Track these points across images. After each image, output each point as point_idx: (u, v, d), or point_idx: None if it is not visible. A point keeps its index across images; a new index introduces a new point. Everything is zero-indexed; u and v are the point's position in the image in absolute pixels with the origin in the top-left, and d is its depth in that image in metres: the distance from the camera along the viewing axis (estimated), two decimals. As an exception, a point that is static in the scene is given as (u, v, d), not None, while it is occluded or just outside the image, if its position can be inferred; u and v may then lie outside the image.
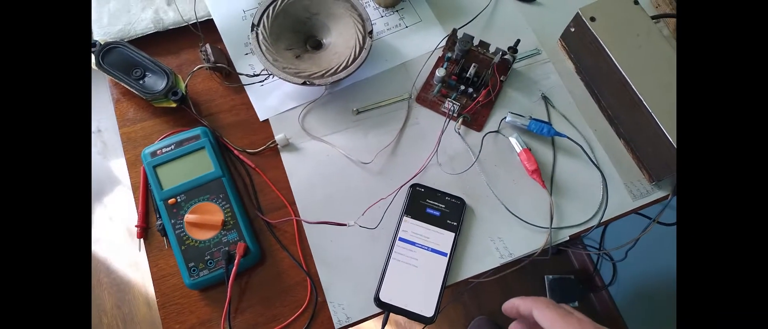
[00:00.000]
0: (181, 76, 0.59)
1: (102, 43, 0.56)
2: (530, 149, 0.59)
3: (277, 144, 0.58)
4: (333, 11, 0.61)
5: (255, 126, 0.59)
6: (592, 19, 0.58)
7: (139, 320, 1.18)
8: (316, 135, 0.59)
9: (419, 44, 0.65)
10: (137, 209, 0.54)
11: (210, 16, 0.61)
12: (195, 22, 0.60)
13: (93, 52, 0.56)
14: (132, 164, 0.56)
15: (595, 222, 0.58)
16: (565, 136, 0.60)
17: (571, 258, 1.48)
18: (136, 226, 0.54)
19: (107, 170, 1.33)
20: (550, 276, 1.43)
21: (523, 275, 1.33)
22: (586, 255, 1.45)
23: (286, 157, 0.58)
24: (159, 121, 0.58)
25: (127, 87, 0.56)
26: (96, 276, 1.21)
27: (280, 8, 0.59)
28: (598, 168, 0.60)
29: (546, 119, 0.62)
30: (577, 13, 0.59)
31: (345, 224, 0.51)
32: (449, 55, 0.63)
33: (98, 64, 0.55)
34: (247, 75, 0.59)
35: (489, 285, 0.59)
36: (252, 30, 0.58)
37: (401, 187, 0.56)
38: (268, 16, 0.58)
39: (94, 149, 1.34)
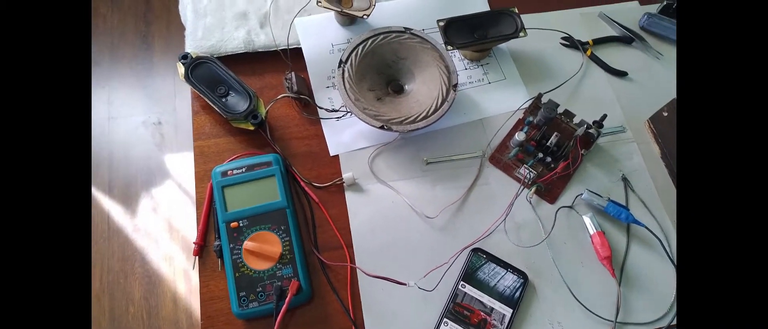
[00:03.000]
0: (263, 100, 0.59)
1: (193, 56, 0.57)
2: (604, 233, 0.56)
3: (344, 182, 0.57)
4: (420, 58, 0.60)
5: (324, 160, 0.59)
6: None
7: (163, 315, 1.19)
8: (384, 179, 0.58)
9: (500, 102, 0.63)
10: (197, 225, 0.54)
11: (299, 44, 0.62)
12: (285, 49, 0.60)
13: (183, 64, 0.57)
14: (200, 178, 0.56)
15: (664, 323, 0.53)
16: (643, 225, 0.56)
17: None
18: (194, 243, 0.53)
19: (160, 163, 1.36)
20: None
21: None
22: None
23: (350, 196, 0.57)
24: (233, 140, 0.59)
25: (209, 102, 0.57)
26: (131, 264, 1.23)
27: (369, 48, 0.59)
28: (675, 265, 0.55)
29: (624, 203, 0.59)
30: (674, 99, 0.56)
31: (405, 284, 0.49)
32: (530, 119, 0.61)
33: (186, 76, 0.57)
34: (325, 109, 0.59)
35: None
36: (339, 66, 0.57)
37: (463, 250, 0.54)
38: (356, 55, 0.58)
39: (151, 140, 1.39)
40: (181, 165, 1.36)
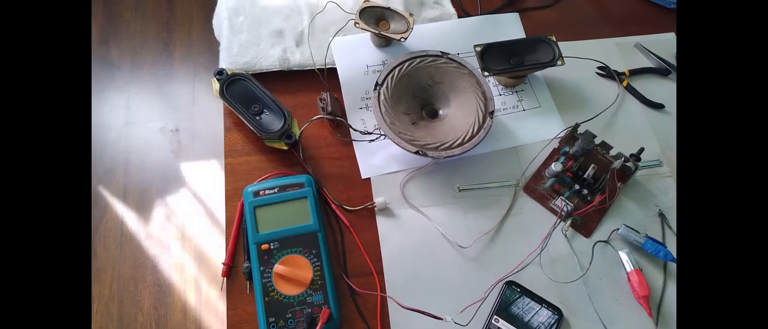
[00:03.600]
0: (296, 119, 0.58)
1: (229, 72, 0.57)
2: (641, 270, 0.54)
3: (375, 206, 0.56)
4: (457, 83, 0.59)
5: (355, 182, 0.58)
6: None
7: (172, 325, 1.18)
8: (415, 204, 0.57)
9: (535, 131, 0.62)
10: (226, 245, 0.53)
11: (334, 64, 0.61)
12: (322, 69, 0.60)
13: (219, 81, 0.56)
14: (230, 197, 0.55)
15: (703, 369, 0.51)
16: (681, 264, 0.54)
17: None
18: (223, 263, 0.52)
19: (175, 170, 1.36)
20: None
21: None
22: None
23: (381, 221, 0.56)
24: (264, 158, 0.58)
25: (242, 119, 0.56)
26: (142, 272, 1.22)
27: (405, 71, 0.58)
28: (714, 308, 0.54)
29: (660, 239, 0.57)
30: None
31: (441, 319, 0.48)
32: (566, 149, 0.60)
33: (221, 93, 0.56)
34: (359, 131, 0.58)
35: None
36: (375, 88, 0.57)
37: (497, 283, 0.53)
38: (392, 78, 0.57)
39: (168, 147, 1.38)
40: (197, 174, 1.36)
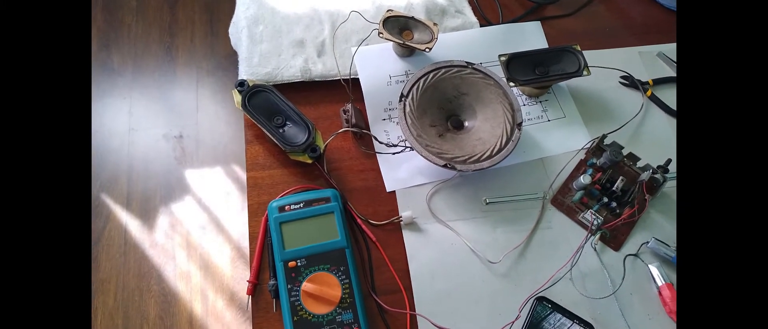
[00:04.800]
0: (320, 131, 0.57)
1: (250, 84, 0.55)
2: (673, 285, 0.53)
3: (402, 220, 0.55)
4: (483, 95, 0.58)
5: (381, 196, 0.56)
6: None
7: (178, 337, 1.15)
8: (442, 218, 0.56)
9: (560, 142, 0.61)
10: (251, 262, 0.52)
11: (356, 75, 0.60)
12: (347, 79, 0.59)
13: (241, 92, 0.55)
14: (253, 212, 0.54)
15: (737, 385, 0.50)
16: (713, 278, 0.53)
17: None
18: (248, 281, 0.51)
19: (179, 177, 1.34)
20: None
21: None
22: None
23: (408, 236, 0.54)
24: (287, 172, 0.56)
25: (265, 132, 0.54)
26: (147, 281, 1.20)
27: (430, 82, 0.57)
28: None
29: (690, 253, 0.56)
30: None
31: (478, 339, 0.46)
32: (593, 161, 0.59)
33: (244, 105, 0.54)
34: (385, 144, 0.57)
35: None
36: (400, 100, 0.55)
37: (528, 300, 0.52)
38: (417, 89, 0.56)
39: (172, 154, 1.36)
40: (202, 181, 1.34)
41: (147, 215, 1.28)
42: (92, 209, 1.27)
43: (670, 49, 0.70)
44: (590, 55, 0.67)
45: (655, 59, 0.69)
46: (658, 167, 0.58)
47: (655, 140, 0.63)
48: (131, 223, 1.27)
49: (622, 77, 0.67)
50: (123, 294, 1.19)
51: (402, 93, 0.56)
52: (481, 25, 0.68)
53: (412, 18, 0.60)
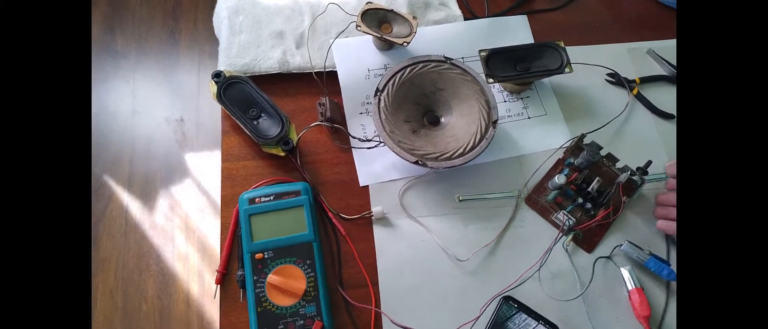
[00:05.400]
0: (295, 124, 0.57)
1: (226, 75, 0.56)
2: (643, 289, 0.53)
3: (373, 215, 0.55)
4: (460, 91, 0.57)
5: (353, 190, 0.57)
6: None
7: (175, 316, 1.19)
8: (414, 214, 0.56)
9: (539, 140, 0.61)
10: (221, 252, 0.53)
11: (334, 68, 0.60)
12: (321, 72, 0.59)
13: (217, 83, 0.55)
14: (226, 202, 0.55)
15: (702, 391, 0.50)
16: (685, 283, 0.53)
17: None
18: (217, 271, 0.52)
19: (180, 160, 1.36)
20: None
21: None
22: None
23: (378, 231, 0.55)
24: (261, 164, 0.57)
25: (240, 124, 0.55)
26: (146, 261, 1.23)
27: (407, 77, 0.57)
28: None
29: (664, 256, 0.56)
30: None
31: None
32: (571, 160, 0.58)
33: (219, 96, 0.55)
34: (358, 138, 0.57)
35: None
36: (375, 95, 0.55)
37: (493, 299, 0.52)
38: (393, 84, 0.56)
39: (173, 137, 1.38)
40: (201, 164, 1.36)
41: (147, 196, 1.31)
42: (94, 190, 1.31)
43: (662, 46, 0.68)
44: (577, 51, 0.66)
45: (645, 57, 0.68)
46: (638, 168, 0.57)
47: (638, 141, 0.62)
48: (132, 204, 1.30)
49: (608, 75, 0.66)
50: (123, 273, 1.22)
51: (377, 88, 0.56)
52: (466, 19, 0.67)
53: (392, 11, 0.60)
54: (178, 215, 1.29)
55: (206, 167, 1.36)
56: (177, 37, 1.53)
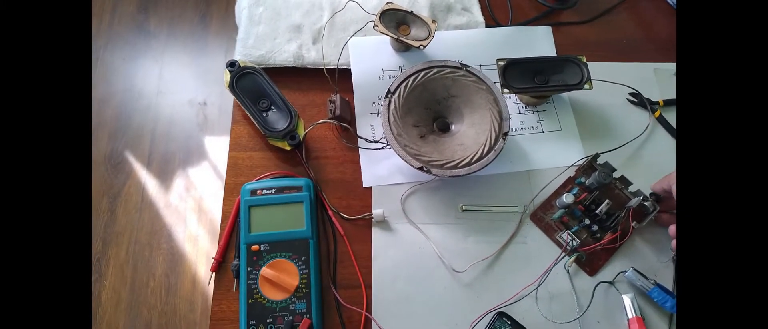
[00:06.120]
0: (303, 120, 0.57)
1: (241, 65, 0.56)
2: (644, 319, 0.51)
3: (372, 218, 0.54)
4: (473, 99, 0.56)
5: (356, 190, 0.56)
6: None
7: (181, 295, 1.21)
8: (414, 220, 0.55)
9: (551, 156, 0.59)
10: (219, 240, 0.53)
11: (349, 66, 0.60)
12: (334, 70, 0.58)
13: (230, 72, 0.56)
14: (229, 191, 0.55)
15: None
16: (691, 318, 0.51)
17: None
18: (213, 258, 0.52)
19: (199, 143, 1.38)
20: None
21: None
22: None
23: (377, 234, 0.54)
24: (267, 156, 0.57)
25: (248, 114, 0.55)
26: (157, 239, 1.26)
27: (420, 81, 0.56)
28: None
29: (671, 288, 0.54)
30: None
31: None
32: (582, 180, 0.57)
33: (231, 85, 0.55)
34: (365, 139, 0.56)
35: None
36: (386, 97, 0.55)
37: (486, 313, 0.51)
38: (405, 86, 0.55)
39: (194, 120, 1.41)
40: (220, 149, 1.38)
41: (165, 176, 1.34)
42: (115, 164, 1.34)
43: (691, 69, 0.65)
44: (600, 68, 0.64)
45: (671, 78, 0.65)
46: (651, 194, 0.55)
47: (655, 165, 0.59)
48: (149, 182, 1.33)
49: (630, 94, 0.63)
50: (134, 248, 1.25)
51: (389, 89, 0.55)
52: (488, 26, 0.66)
53: (411, 13, 0.59)
54: (192, 196, 1.32)
55: (224, 153, 1.37)
56: (208, 22, 1.55)
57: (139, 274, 1.22)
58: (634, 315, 0.51)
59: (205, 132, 1.40)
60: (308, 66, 0.60)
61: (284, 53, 0.59)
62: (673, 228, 0.52)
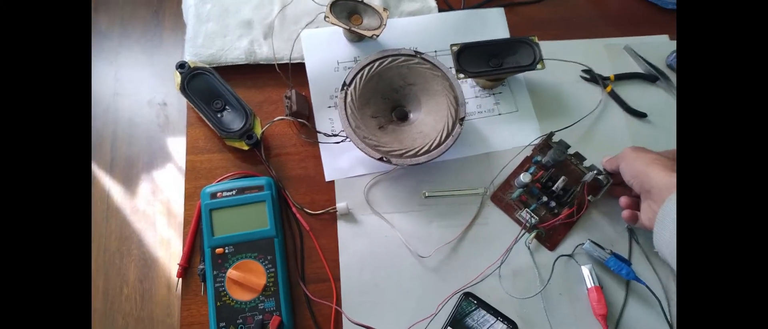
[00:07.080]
0: (260, 118, 0.57)
1: (191, 66, 0.55)
2: (602, 288, 0.53)
3: (337, 211, 0.55)
4: (429, 86, 0.57)
5: (319, 185, 0.57)
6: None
7: (157, 300, 1.19)
8: (379, 210, 0.56)
9: (509, 137, 0.60)
10: (183, 246, 0.53)
11: (303, 59, 0.59)
12: (287, 64, 0.58)
13: (180, 73, 0.54)
14: (189, 196, 0.55)
15: (656, 388, 0.51)
16: (643, 283, 0.53)
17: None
18: (178, 264, 0.52)
19: (162, 145, 1.35)
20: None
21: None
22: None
23: (342, 227, 0.55)
24: (226, 157, 0.56)
25: (202, 116, 0.54)
26: (127, 245, 1.24)
27: (375, 71, 0.56)
28: (671, 327, 0.53)
29: (627, 256, 0.56)
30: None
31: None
32: (538, 158, 0.58)
33: (182, 87, 0.54)
34: (324, 133, 0.56)
35: None
36: (342, 89, 0.55)
37: (452, 295, 0.52)
38: (361, 78, 0.55)
39: (155, 120, 1.37)
40: (183, 150, 1.35)
41: (129, 181, 1.30)
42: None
43: (640, 42, 0.67)
44: (554, 46, 0.65)
45: (622, 53, 0.67)
46: (605, 169, 0.57)
47: (608, 140, 0.61)
48: (114, 188, 1.29)
49: (583, 71, 0.65)
50: (104, 257, 1.22)
51: (344, 82, 0.55)
52: (441, 10, 0.66)
53: (362, 2, 0.59)
54: (159, 200, 1.29)
55: (189, 152, 1.35)
56: (161, 18, 1.50)
57: (112, 282, 1.20)
58: (593, 285, 0.53)
59: (167, 133, 1.37)
60: (261, 62, 0.59)
61: (235, 50, 0.58)
62: (623, 199, 0.54)
